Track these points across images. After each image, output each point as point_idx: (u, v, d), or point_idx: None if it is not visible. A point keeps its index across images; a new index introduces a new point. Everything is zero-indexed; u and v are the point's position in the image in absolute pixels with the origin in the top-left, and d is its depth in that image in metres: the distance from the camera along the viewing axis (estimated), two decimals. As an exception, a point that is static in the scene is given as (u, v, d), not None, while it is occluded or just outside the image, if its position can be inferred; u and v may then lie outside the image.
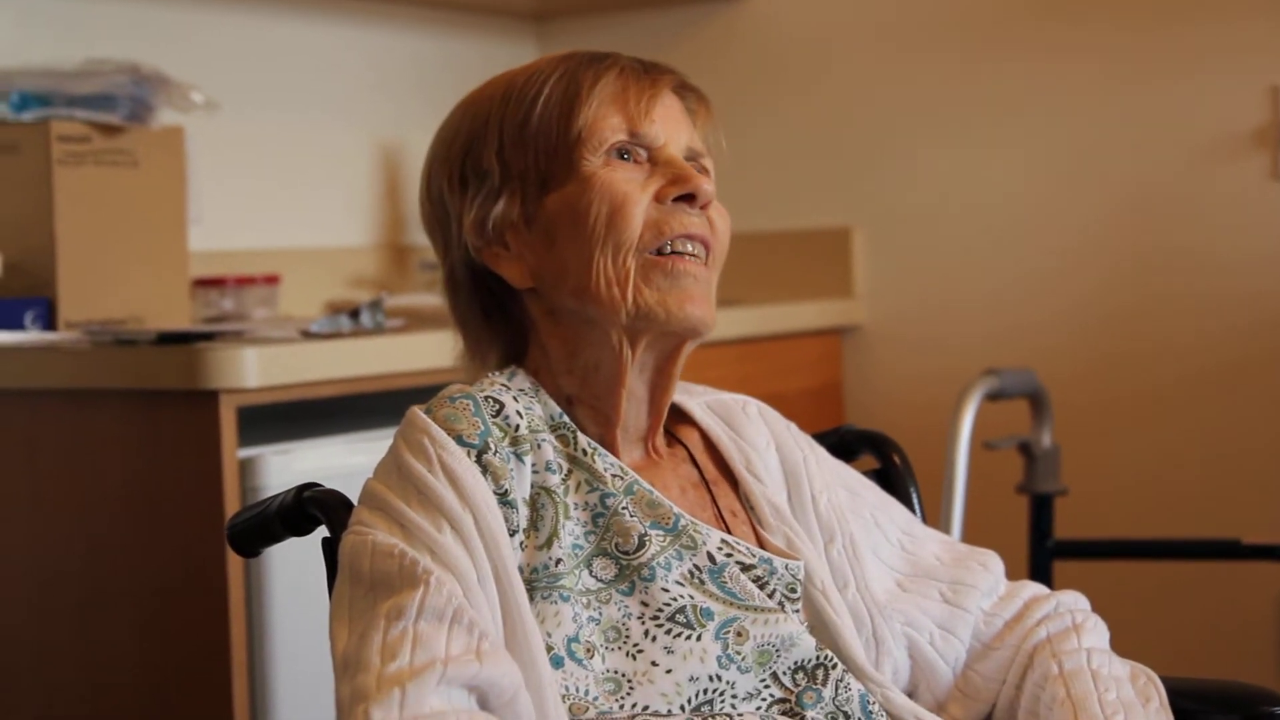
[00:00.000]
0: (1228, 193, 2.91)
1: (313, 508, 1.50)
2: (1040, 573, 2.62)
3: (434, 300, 2.52)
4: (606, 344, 1.46)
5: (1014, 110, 3.06)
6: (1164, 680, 1.55)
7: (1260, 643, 2.91)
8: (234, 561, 2.04)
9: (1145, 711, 1.49)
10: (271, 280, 2.74)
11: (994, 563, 1.63)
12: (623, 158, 1.45)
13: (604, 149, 1.44)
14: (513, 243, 1.47)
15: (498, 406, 1.43)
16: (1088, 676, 1.51)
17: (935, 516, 2.40)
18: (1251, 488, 2.90)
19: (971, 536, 2.33)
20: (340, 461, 2.10)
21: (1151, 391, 2.97)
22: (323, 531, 1.50)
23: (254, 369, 2.08)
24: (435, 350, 2.23)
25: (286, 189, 2.97)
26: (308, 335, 2.28)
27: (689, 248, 1.45)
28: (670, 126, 1.48)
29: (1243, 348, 2.90)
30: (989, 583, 1.61)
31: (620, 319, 1.43)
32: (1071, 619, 1.58)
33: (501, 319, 1.51)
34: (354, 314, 2.39)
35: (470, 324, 1.53)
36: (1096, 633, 1.58)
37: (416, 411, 1.42)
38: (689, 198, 1.44)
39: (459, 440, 1.39)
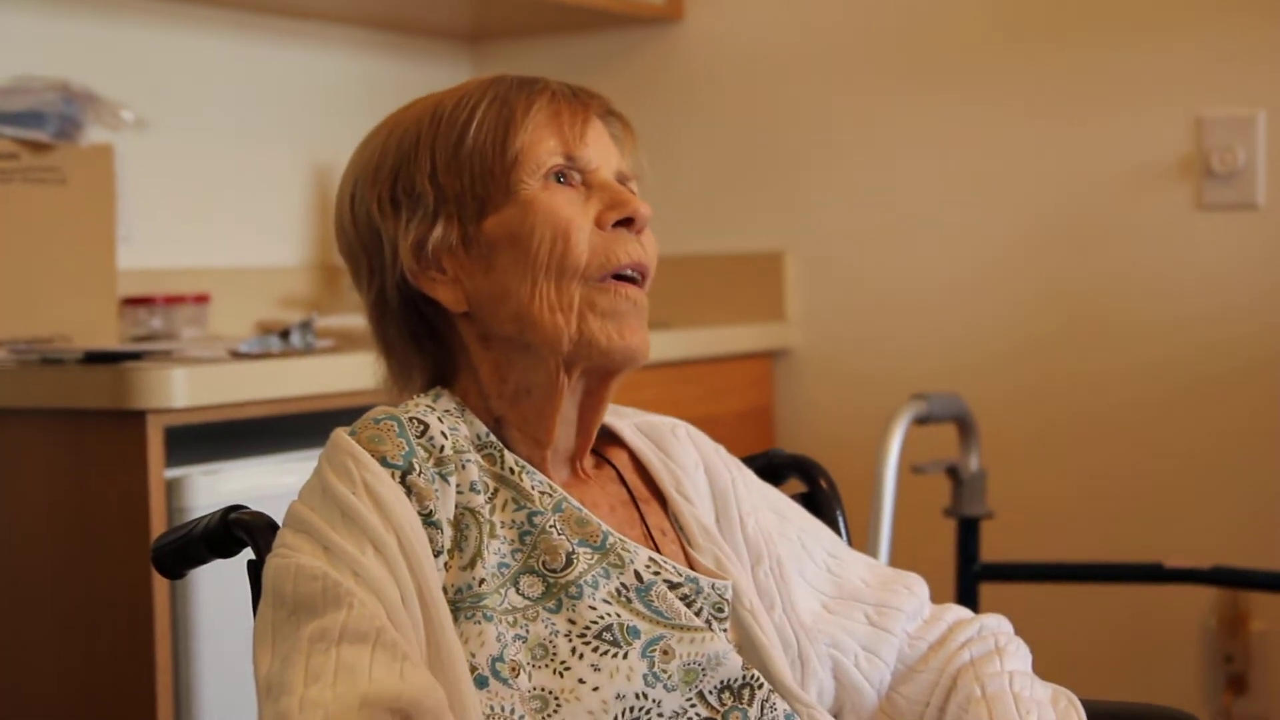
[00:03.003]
0: (1153, 222, 2.93)
1: (238, 530, 1.50)
2: (966, 595, 2.64)
3: (364, 321, 2.51)
4: (542, 369, 1.46)
5: (944, 137, 3.08)
6: (1085, 703, 1.56)
7: (1182, 666, 2.94)
8: (160, 583, 2.03)
9: (1074, 740, 1.49)
10: (201, 299, 2.73)
11: (919, 586, 1.64)
12: (559, 181, 1.45)
13: (541, 172, 1.45)
14: (449, 266, 1.46)
15: (422, 427, 1.43)
16: (1009, 699, 1.52)
17: (863, 539, 2.41)
18: (1174, 512, 2.92)
19: (899, 559, 2.35)
20: (268, 482, 2.09)
21: (1077, 417, 2.99)
22: (248, 554, 1.50)
23: (182, 389, 2.07)
24: (365, 371, 2.19)
25: (217, 208, 2.96)
26: (237, 355, 2.27)
27: (632, 275, 1.45)
28: (601, 150, 1.49)
29: (1166, 375, 2.93)
30: (914, 606, 1.62)
31: (561, 346, 1.44)
32: (994, 642, 1.59)
33: (430, 342, 1.51)
34: (284, 334, 2.38)
35: (397, 347, 1.53)
36: (1019, 656, 1.59)
37: (341, 433, 1.42)
38: (629, 221, 1.45)
39: (383, 462, 1.39)
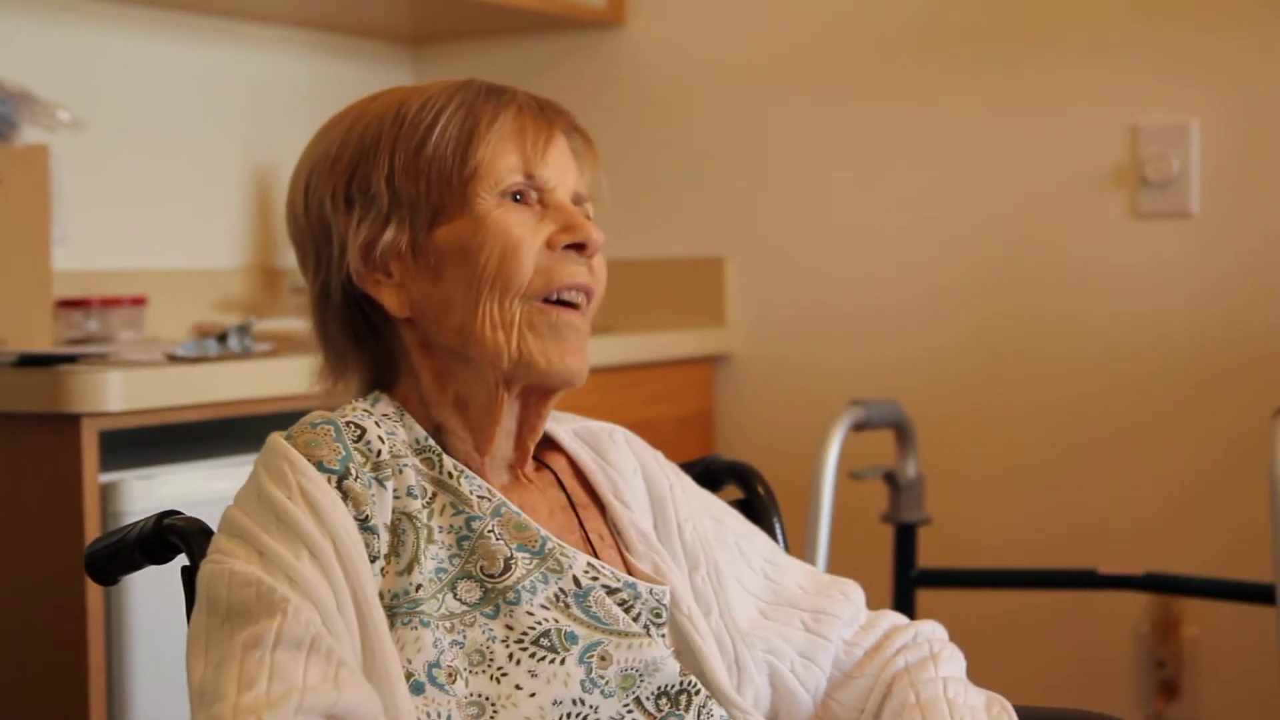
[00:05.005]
0: (1089, 229, 2.96)
1: (172, 536, 1.49)
2: (903, 601, 2.65)
3: (303, 325, 2.49)
4: (481, 382, 1.46)
5: (885, 146, 3.10)
6: (1018, 709, 1.57)
7: (1115, 671, 2.96)
8: (94, 589, 2.02)
9: (1004, 744, 1.50)
10: (138, 302, 2.71)
11: (855, 592, 1.65)
12: (515, 199, 1.45)
13: (499, 189, 1.44)
14: (396, 271, 1.46)
15: (359, 432, 1.42)
16: (944, 705, 1.53)
17: (801, 545, 2.42)
18: (1108, 519, 2.94)
19: (837, 564, 2.35)
20: (204, 487, 2.08)
21: (1014, 423, 3.01)
22: (183, 559, 1.49)
23: (118, 392, 2.06)
24: (303, 375, 2.19)
25: (155, 210, 2.94)
26: (173, 359, 2.25)
27: (574, 298, 1.45)
28: (561, 170, 1.48)
29: (1102, 381, 2.95)
30: (850, 612, 1.63)
31: (501, 363, 1.44)
32: (929, 648, 1.60)
33: (371, 342, 1.51)
34: (221, 338, 2.37)
35: (336, 343, 1.52)
36: (953, 662, 1.60)
37: (277, 438, 1.42)
38: (579, 246, 1.45)
39: (319, 466, 1.38)
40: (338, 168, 1.47)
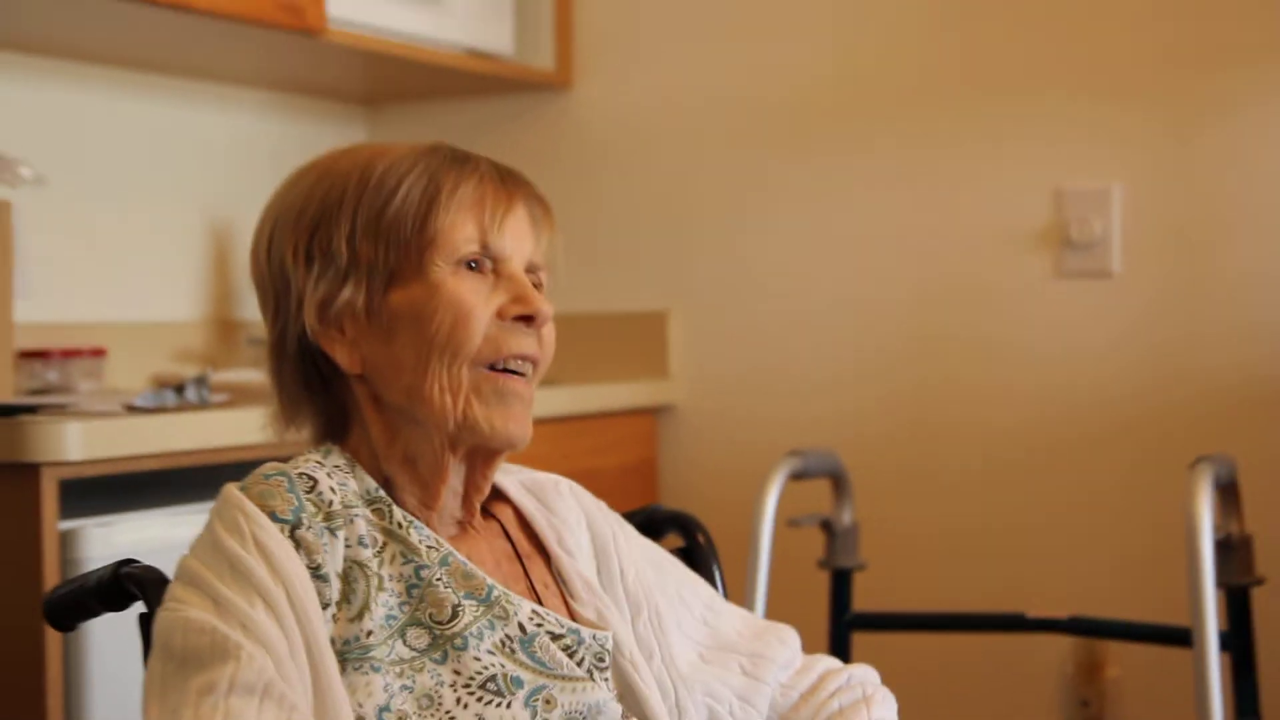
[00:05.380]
0: (1016, 287, 2.98)
1: (129, 584, 1.48)
2: (839, 644, 2.64)
3: (259, 376, 2.49)
4: (428, 442, 1.46)
5: (822, 203, 3.11)
6: (949, 750, 1.58)
7: (1042, 711, 2.97)
8: (53, 635, 2.00)
9: (931, 781, 1.52)
10: (98, 353, 2.69)
11: (791, 637, 1.65)
12: (470, 267, 1.45)
13: (455, 258, 1.44)
14: (350, 329, 1.45)
15: (311, 483, 1.42)
16: None
17: (741, 591, 2.41)
18: (1036, 564, 2.95)
19: (775, 609, 2.35)
20: (161, 534, 2.06)
21: (946, 472, 3.02)
22: (140, 607, 1.48)
23: (77, 442, 2.04)
24: (259, 425, 2.19)
25: (114, 263, 2.92)
26: (132, 409, 2.24)
27: (520, 367, 1.45)
28: (517, 240, 1.47)
29: (1029, 433, 2.97)
30: (786, 656, 1.63)
31: (446, 426, 1.44)
32: (863, 691, 1.61)
33: (324, 393, 1.50)
34: (179, 389, 2.36)
35: (290, 390, 1.51)
36: (885, 705, 1.61)
37: (231, 489, 1.41)
38: (528, 318, 1.45)
39: (272, 516, 1.38)
40: (301, 223, 1.46)
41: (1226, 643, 2.43)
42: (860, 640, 2.67)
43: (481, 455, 1.48)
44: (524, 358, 1.45)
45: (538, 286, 1.49)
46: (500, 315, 1.44)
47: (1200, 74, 2.84)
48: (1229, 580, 2.42)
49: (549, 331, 1.47)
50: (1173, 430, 2.85)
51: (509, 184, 1.48)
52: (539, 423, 2.89)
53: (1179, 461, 2.64)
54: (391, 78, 3.16)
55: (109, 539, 2.05)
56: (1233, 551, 2.42)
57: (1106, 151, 2.91)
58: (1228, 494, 2.41)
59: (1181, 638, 2.31)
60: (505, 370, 1.45)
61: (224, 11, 2.53)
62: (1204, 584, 2.19)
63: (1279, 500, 2.77)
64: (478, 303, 1.43)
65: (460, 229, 1.44)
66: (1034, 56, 2.95)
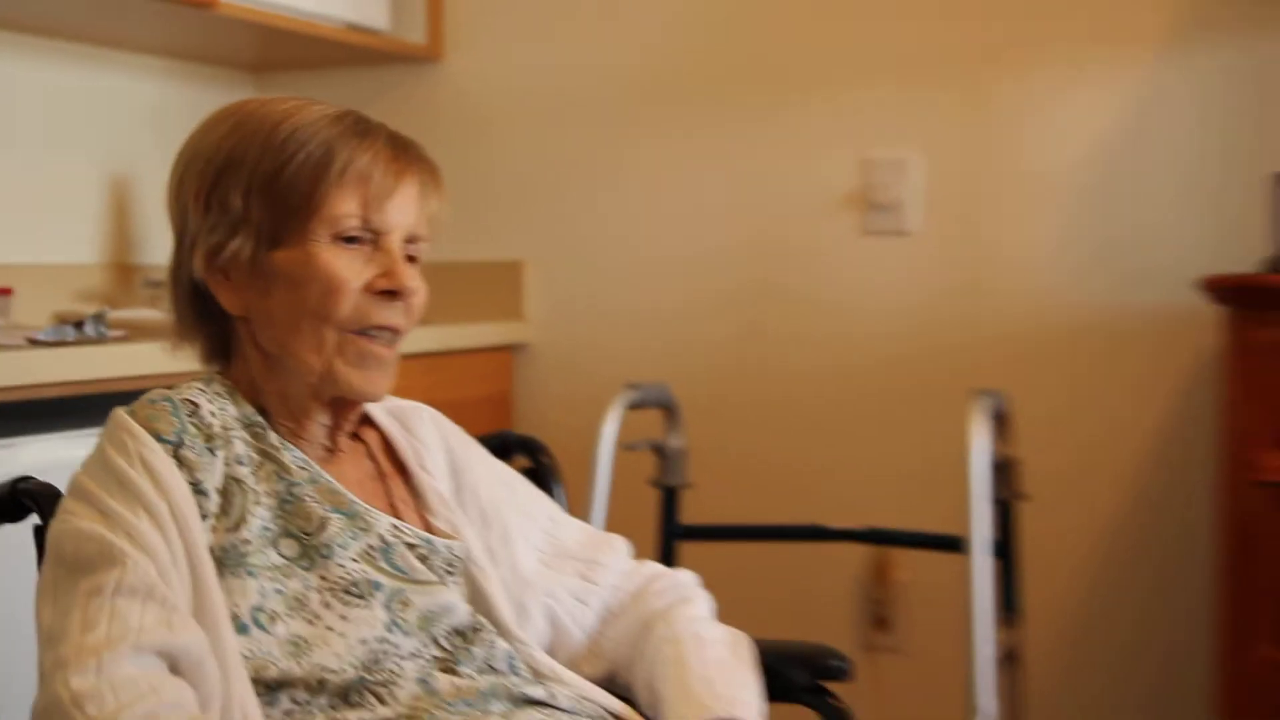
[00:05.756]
0: (826, 245, 3.00)
1: (25, 498, 1.47)
2: (667, 553, 2.67)
3: (154, 315, 2.45)
4: (298, 384, 1.44)
5: (661, 170, 3.12)
6: (757, 642, 1.60)
7: (838, 609, 3.00)
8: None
9: (737, 666, 1.54)
10: (5, 292, 2.62)
11: (623, 546, 1.67)
12: (348, 241, 1.42)
13: (334, 230, 1.41)
14: (234, 276, 1.43)
15: (193, 407, 1.41)
16: (692, 640, 1.56)
17: (583, 505, 2.42)
18: (836, 483, 2.99)
19: (611, 522, 2.36)
20: (59, 455, 2.00)
21: (764, 403, 3.05)
22: (35, 519, 1.47)
23: (-16, 371, 2.00)
24: (151, 358, 2.16)
25: (21, 211, 2.85)
26: (35, 342, 2.21)
27: (382, 334, 1.43)
28: (400, 212, 1.44)
29: (835, 369, 3.00)
30: (618, 563, 1.65)
31: (311, 378, 1.42)
32: (683, 593, 1.63)
33: (212, 322, 1.47)
34: (79, 325, 2.33)
35: (184, 315, 1.49)
36: (702, 604, 1.63)
37: (120, 412, 1.39)
38: (394, 292, 1.43)
39: (157, 437, 1.36)
40: (207, 171, 1.43)
41: (996, 550, 2.48)
42: (685, 549, 2.69)
43: (343, 403, 1.47)
44: (386, 328, 1.44)
45: (414, 258, 1.46)
46: (369, 288, 1.42)
47: (985, 61, 2.88)
48: (999, 496, 2.47)
49: (417, 301, 1.45)
50: (955, 368, 2.90)
51: (401, 159, 1.45)
52: (410, 358, 2.87)
53: (960, 394, 2.68)
54: (277, 48, 3.11)
55: (14, 459, 2.01)
56: (1003, 472, 2.48)
57: (905, 127, 2.93)
58: (1000, 423, 2.46)
59: (958, 545, 2.35)
60: (369, 335, 1.43)
61: (125, -15, 2.48)
62: (978, 500, 2.22)
63: (1042, 428, 2.82)
64: (349, 276, 1.41)
65: (343, 204, 1.41)
66: (843, 44, 2.97)
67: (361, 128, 1.44)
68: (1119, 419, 2.83)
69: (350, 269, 1.41)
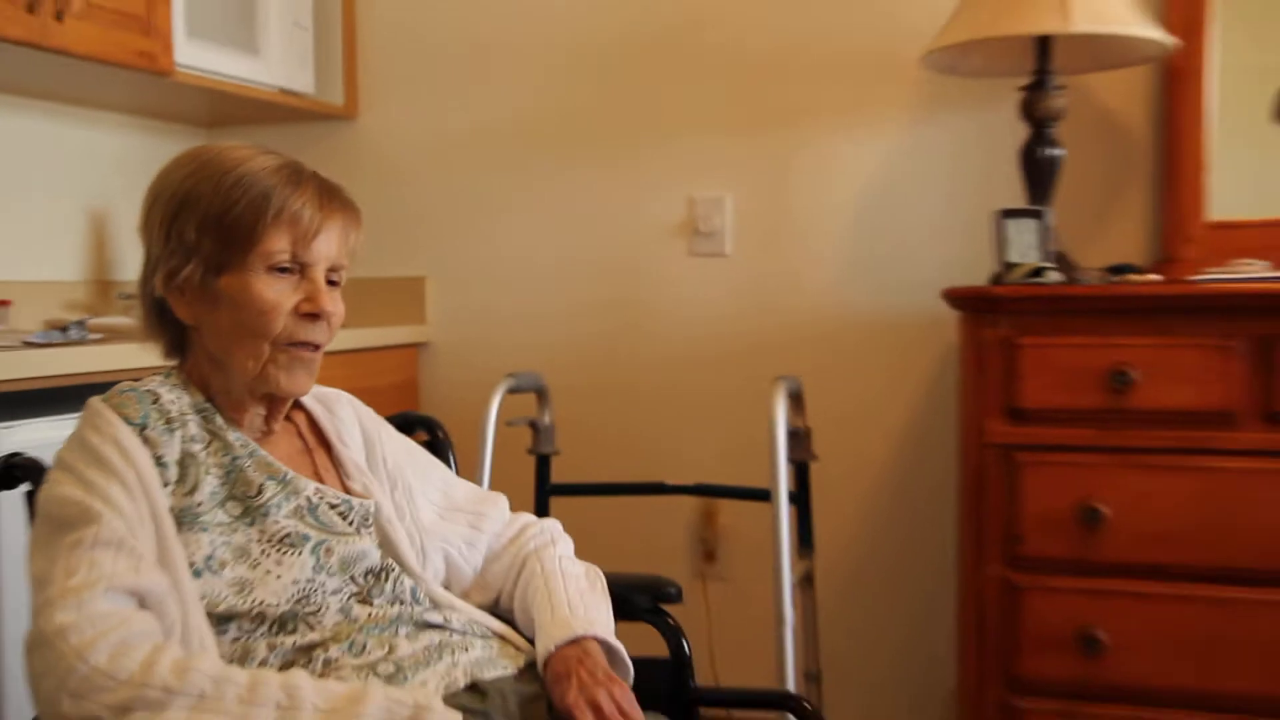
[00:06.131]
0: (662, 263, 3.01)
1: (18, 470, 1.45)
2: (541, 507, 2.67)
3: (126, 321, 2.40)
4: (239, 382, 1.43)
5: (535, 205, 3.11)
6: (607, 574, 1.62)
7: (676, 547, 3.02)
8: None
9: (593, 593, 1.56)
10: (4, 304, 2.56)
11: (503, 501, 1.70)
12: (281, 270, 1.40)
13: (269, 262, 1.39)
14: (187, 293, 1.41)
15: (155, 397, 1.39)
16: (558, 572, 1.59)
17: (473, 470, 2.42)
18: (673, 449, 3.01)
19: (497, 482, 2.35)
20: (46, 435, 1.97)
21: (616, 387, 3.06)
22: (26, 487, 1.44)
23: (-14, 367, 1.96)
24: (123, 357, 2.14)
25: (18, 238, 2.77)
26: (29, 344, 2.16)
27: (307, 347, 1.41)
28: (325, 247, 1.43)
29: (670, 360, 3.01)
30: (499, 514, 1.68)
31: (247, 379, 1.41)
32: (550, 536, 1.67)
33: (170, 325, 1.45)
34: (64, 329, 2.28)
35: (150, 319, 1.47)
36: (565, 544, 1.67)
37: (95, 400, 1.38)
38: (316, 316, 1.41)
39: (126, 420, 1.35)
40: (170, 205, 1.41)
41: (793, 499, 2.52)
42: (555, 503, 2.70)
43: (274, 399, 1.45)
44: (310, 343, 1.42)
45: (336, 283, 1.45)
46: (296, 310, 1.40)
47: (780, 123, 2.91)
48: (795, 458, 2.51)
49: (335, 320, 1.44)
50: (761, 358, 2.92)
51: (327, 204, 1.43)
52: (337, 354, 2.85)
53: (765, 379, 2.72)
54: (224, 108, 3.05)
55: (10, 438, 1.96)
56: (798, 439, 2.50)
57: (721, 172, 2.95)
58: (795, 401, 2.48)
59: (766, 496, 2.37)
60: (296, 347, 1.41)
61: (99, 57, 2.41)
62: (780, 461, 2.25)
63: (827, 405, 2.85)
64: (281, 301, 1.39)
65: (277, 241, 1.39)
66: (674, 108, 2.98)
67: (296, 177, 1.42)
68: (886, 396, 2.87)
69: (281, 295, 1.39)
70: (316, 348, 1.43)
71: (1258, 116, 2.54)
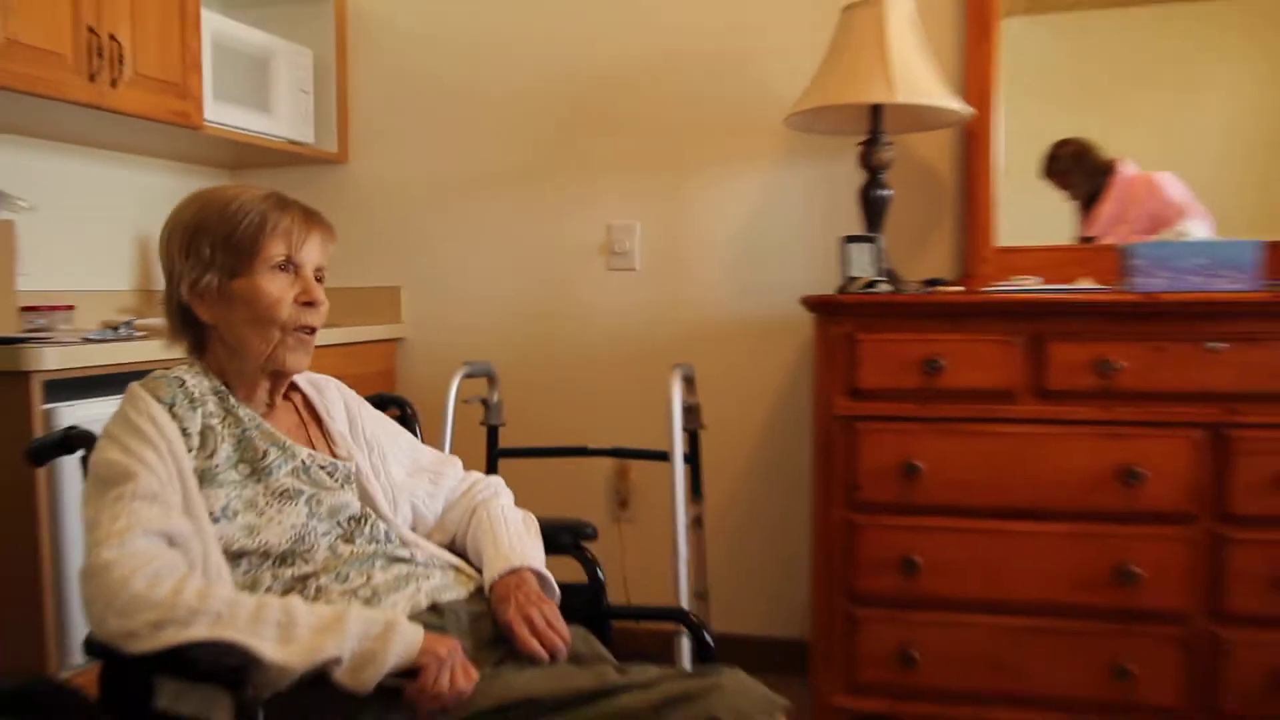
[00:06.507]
0: (587, 277, 2.99)
1: (74, 440, 1.44)
2: (491, 466, 2.65)
3: (164, 322, 2.37)
4: (250, 367, 1.43)
5: (490, 231, 3.09)
6: (540, 519, 1.62)
7: (596, 496, 3.01)
8: (39, 474, 1.89)
9: (528, 534, 1.57)
10: (69, 308, 2.52)
11: (458, 462, 1.70)
12: (282, 269, 1.40)
13: (271, 264, 1.40)
14: (207, 298, 1.41)
15: (182, 381, 1.39)
16: (501, 518, 1.60)
17: (436, 439, 2.41)
18: (595, 419, 2.99)
19: (457, 448, 2.36)
20: (100, 412, 1.96)
21: (550, 373, 3.04)
22: (81, 452, 1.44)
23: (53, 358, 1.94)
24: (160, 350, 2.12)
25: (82, 256, 2.73)
26: (88, 340, 2.14)
27: (307, 331, 1.42)
28: (311, 253, 1.44)
29: (593, 354, 3.00)
30: (455, 472, 1.68)
31: (260, 360, 1.41)
32: (495, 489, 1.67)
33: (193, 328, 1.45)
34: (116, 329, 2.25)
35: (174, 325, 1.47)
36: (507, 496, 1.67)
37: (134, 385, 1.38)
38: (311, 303, 1.41)
39: (158, 400, 1.35)
40: (185, 233, 1.42)
41: (687, 459, 2.52)
42: (502, 465, 2.69)
43: (279, 375, 1.45)
44: (309, 327, 1.43)
45: (321, 279, 1.46)
46: (296, 300, 1.41)
47: (674, 167, 2.91)
48: (688, 427, 2.52)
49: (325, 309, 1.45)
50: (663, 349, 2.92)
51: (309, 222, 1.45)
52: (330, 349, 2.82)
53: (666, 365, 2.74)
54: (243, 155, 3.02)
55: (73, 414, 1.95)
56: (690, 412, 2.52)
57: (632, 205, 2.94)
58: (688, 383, 2.49)
59: (666, 457, 2.38)
60: (299, 331, 1.42)
61: (145, 115, 2.39)
62: (676, 429, 2.26)
63: (714, 385, 2.87)
64: (284, 294, 1.40)
65: (275, 248, 1.40)
66: (599, 155, 2.97)
67: (283, 202, 1.45)
68: (758, 379, 2.87)
69: (283, 289, 1.40)
70: (313, 331, 1.44)
71: (1032, 170, 2.61)
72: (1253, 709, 2.09)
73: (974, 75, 2.60)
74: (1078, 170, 2.56)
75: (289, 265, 1.40)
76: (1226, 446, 2.09)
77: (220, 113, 2.68)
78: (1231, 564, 2.09)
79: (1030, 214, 2.59)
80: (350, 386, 1.64)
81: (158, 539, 1.23)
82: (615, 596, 2.83)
